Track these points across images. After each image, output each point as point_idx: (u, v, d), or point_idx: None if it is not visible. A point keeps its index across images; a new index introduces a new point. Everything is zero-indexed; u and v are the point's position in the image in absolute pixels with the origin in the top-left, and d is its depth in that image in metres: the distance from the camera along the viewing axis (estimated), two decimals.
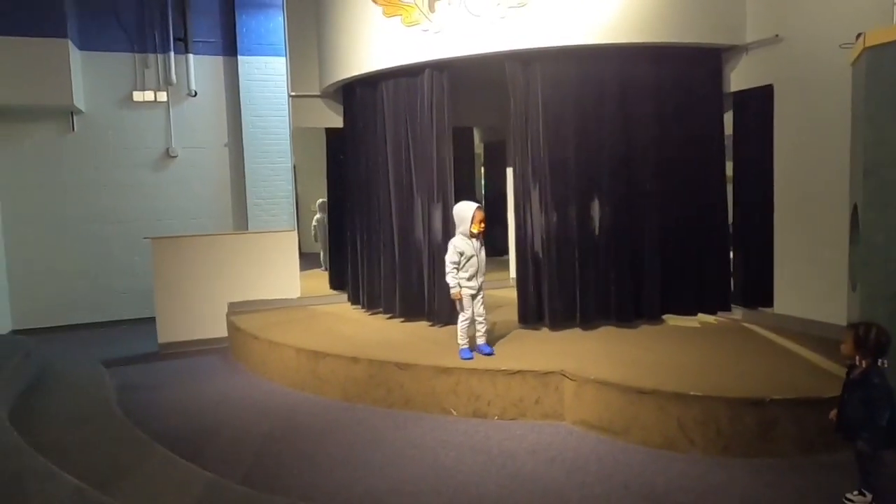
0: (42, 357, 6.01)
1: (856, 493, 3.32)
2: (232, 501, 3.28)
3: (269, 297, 7.59)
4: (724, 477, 3.72)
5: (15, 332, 8.65)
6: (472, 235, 5.05)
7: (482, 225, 5.07)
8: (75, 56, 8.65)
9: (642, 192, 5.90)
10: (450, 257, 5.05)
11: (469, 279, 5.07)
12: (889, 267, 3.85)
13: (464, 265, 5.05)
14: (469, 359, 5.03)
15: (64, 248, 9.01)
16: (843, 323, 4.80)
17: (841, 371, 4.11)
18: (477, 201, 5.40)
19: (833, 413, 3.41)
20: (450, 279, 5.06)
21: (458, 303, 5.13)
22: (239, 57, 9.43)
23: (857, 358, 3.27)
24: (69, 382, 5.58)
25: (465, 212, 5.06)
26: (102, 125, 9.11)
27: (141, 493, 3.28)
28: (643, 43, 5.62)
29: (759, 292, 5.92)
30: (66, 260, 9.02)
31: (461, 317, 5.13)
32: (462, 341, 5.13)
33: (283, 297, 7.65)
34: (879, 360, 3.22)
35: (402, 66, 6.23)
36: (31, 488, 2.85)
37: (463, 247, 5.04)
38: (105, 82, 9.08)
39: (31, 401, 5.00)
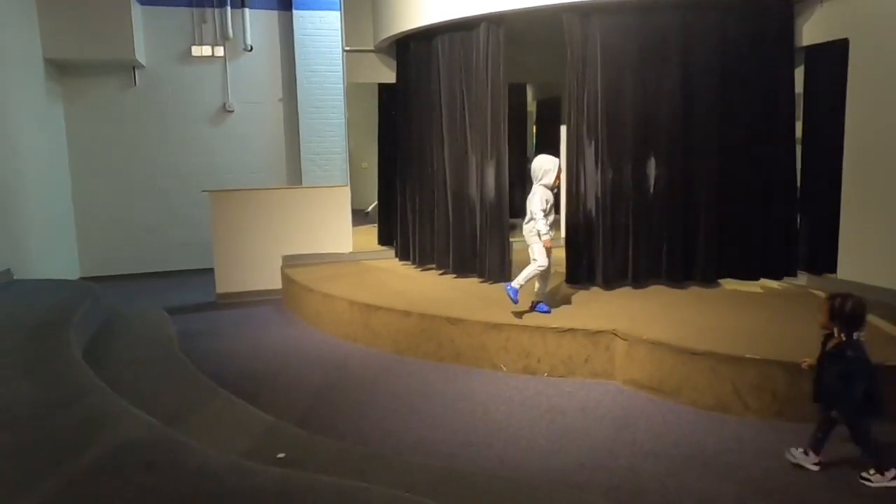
0: (109, 303, 6.29)
1: (872, 471, 3.21)
2: (290, 442, 3.41)
3: (322, 252, 7.74)
4: (775, 441, 3.67)
5: (83, 279, 9.07)
6: (551, 188, 5.13)
7: (559, 179, 5.20)
8: (136, 10, 8.81)
9: (702, 150, 5.73)
10: (540, 206, 5.05)
11: (549, 230, 5.09)
12: None
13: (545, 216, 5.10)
14: (547, 312, 5.09)
15: (127, 200, 9.34)
16: None
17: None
18: (529, 159, 5.35)
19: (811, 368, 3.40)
20: (543, 226, 5.01)
21: (538, 251, 5.06)
22: (294, 11, 9.44)
23: (836, 329, 3.23)
24: (135, 327, 5.84)
25: (550, 164, 5.13)
26: (163, 80, 9.31)
27: (206, 431, 3.44)
28: None
29: (825, 258, 5.71)
30: (130, 211, 9.36)
31: (535, 265, 5.06)
32: (521, 284, 4.99)
33: (336, 252, 7.79)
34: (856, 333, 3.19)
35: (457, 19, 6.13)
36: (106, 423, 3.03)
37: (548, 196, 5.11)
38: (165, 37, 9.24)
39: (100, 343, 5.25)
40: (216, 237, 7.55)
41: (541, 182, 5.12)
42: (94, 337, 5.36)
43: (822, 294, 5.50)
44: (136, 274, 9.37)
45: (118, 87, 9.16)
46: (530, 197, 5.15)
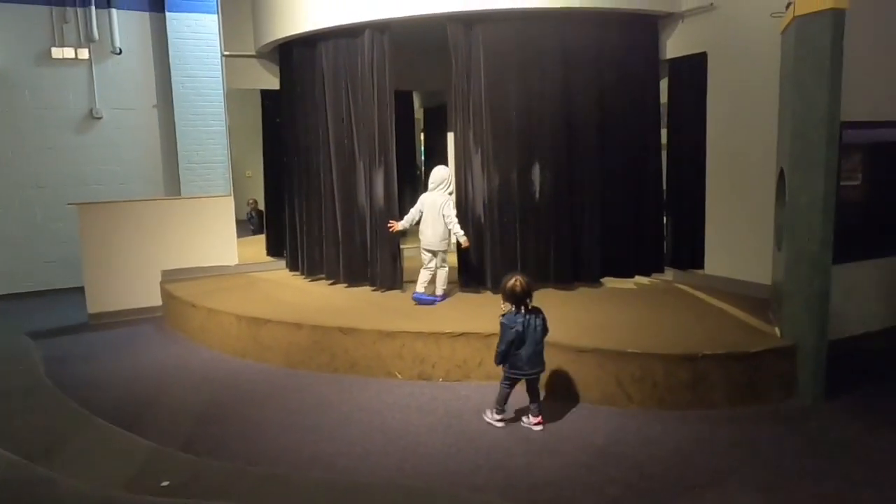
0: None
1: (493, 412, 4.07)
2: (175, 469, 3.23)
3: (205, 265, 7.39)
4: (659, 429, 3.90)
5: None
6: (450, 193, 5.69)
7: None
8: None
9: (582, 156, 6.01)
10: (455, 211, 5.60)
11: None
12: (811, 228, 4.06)
13: None
14: (432, 303, 5.65)
15: None
16: (769, 282, 5.09)
17: (766, 327, 4.41)
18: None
19: None
20: (460, 230, 5.57)
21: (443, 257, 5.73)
22: (167, 13, 8.95)
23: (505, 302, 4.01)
24: None
25: (449, 173, 5.73)
26: (18, 83, 8.53)
27: (79, 463, 3.18)
28: (583, 8, 5.66)
29: (690, 255, 6.15)
30: None
31: (446, 268, 5.77)
32: (443, 289, 5.76)
33: (220, 265, 7.46)
34: (513, 305, 3.95)
35: (341, 25, 6.08)
36: None
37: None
38: (19, 37, 8.47)
39: None
40: (85, 253, 7.00)
41: (446, 190, 5.62)
42: None
43: (687, 288, 5.94)
44: None
45: None
46: (443, 204, 5.55)
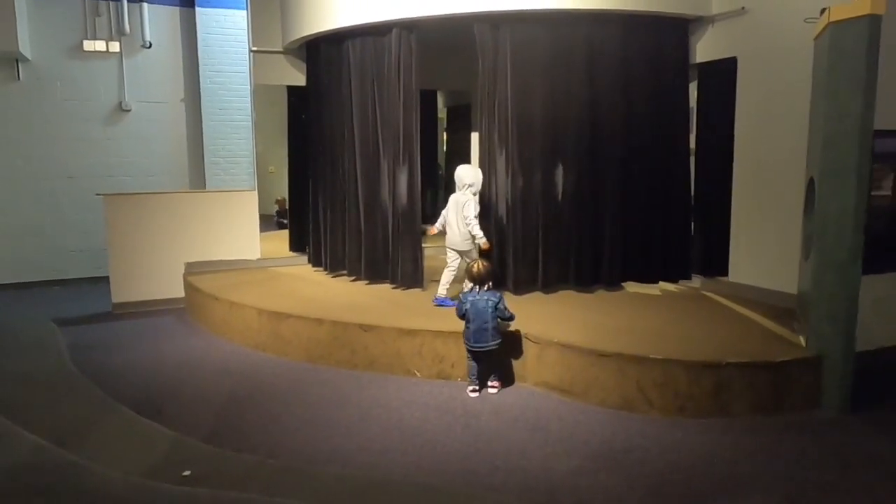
0: None
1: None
2: (197, 459, 3.26)
3: (228, 258, 7.46)
4: (679, 436, 3.86)
5: None
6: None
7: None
8: (20, 0, 8.18)
9: (607, 159, 5.97)
10: (476, 211, 5.58)
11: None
12: (841, 237, 4.00)
13: None
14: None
15: (11, 203, 8.63)
16: (794, 291, 5.01)
17: (791, 336, 4.35)
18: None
19: None
20: (480, 231, 5.54)
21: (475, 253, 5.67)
22: (197, 8, 9.05)
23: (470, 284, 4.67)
24: (20, 341, 5.41)
25: (480, 174, 5.70)
26: (50, 75, 8.68)
27: (104, 450, 3.22)
28: (612, 10, 5.63)
29: (718, 262, 6.07)
30: (15, 215, 8.65)
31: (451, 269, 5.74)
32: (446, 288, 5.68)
33: (243, 258, 7.53)
34: (476, 287, 4.58)
35: (369, 23, 6.10)
36: None
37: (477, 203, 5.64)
38: (53, 29, 8.62)
39: None
40: (111, 243, 7.11)
41: (472, 190, 5.59)
42: None
43: (712, 295, 5.88)
44: (23, 283, 8.66)
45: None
46: (464, 203, 5.54)
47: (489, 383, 4.59)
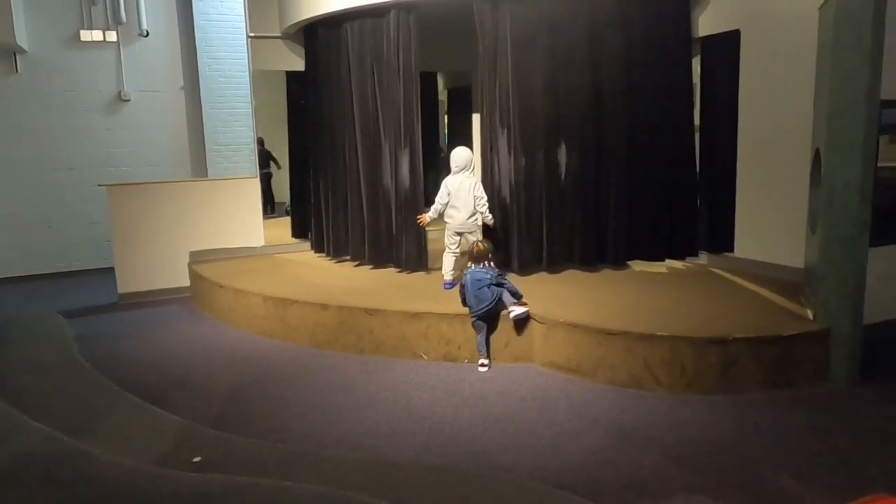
0: None
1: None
2: (206, 445, 3.27)
3: (232, 246, 7.46)
4: (687, 412, 3.86)
5: None
6: None
7: None
8: None
9: (610, 136, 5.91)
10: (484, 193, 5.59)
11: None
12: (848, 209, 3.97)
13: None
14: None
15: (14, 196, 8.63)
16: (801, 266, 4.99)
17: (798, 310, 4.33)
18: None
19: None
20: (487, 210, 5.59)
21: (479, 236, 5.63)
22: None
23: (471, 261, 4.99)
24: (28, 332, 5.43)
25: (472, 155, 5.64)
26: (48, 67, 8.63)
27: (114, 439, 3.24)
28: None
29: (724, 238, 6.03)
30: (18, 208, 8.65)
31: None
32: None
33: (247, 246, 7.52)
34: (474, 265, 4.92)
35: (366, 5, 6.03)
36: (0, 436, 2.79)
37: None
38: (49, 20, 8.57)
39: None
40: (115, 234, 7.11)
41: (470, 171, 5.51)
42: None
43: (719, 271, 5.85)
44: (28, 275, 8.69)
45: None
46: (473, 185, 5.50)
47: (511, 308, 4.67)
